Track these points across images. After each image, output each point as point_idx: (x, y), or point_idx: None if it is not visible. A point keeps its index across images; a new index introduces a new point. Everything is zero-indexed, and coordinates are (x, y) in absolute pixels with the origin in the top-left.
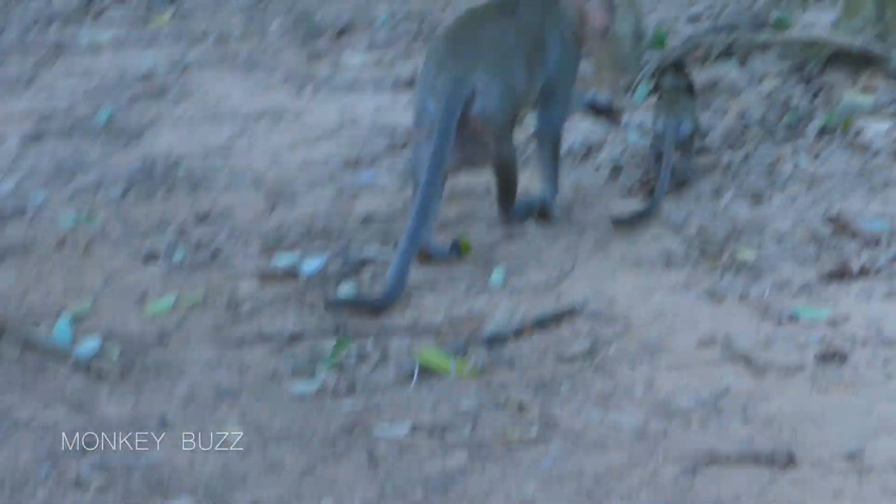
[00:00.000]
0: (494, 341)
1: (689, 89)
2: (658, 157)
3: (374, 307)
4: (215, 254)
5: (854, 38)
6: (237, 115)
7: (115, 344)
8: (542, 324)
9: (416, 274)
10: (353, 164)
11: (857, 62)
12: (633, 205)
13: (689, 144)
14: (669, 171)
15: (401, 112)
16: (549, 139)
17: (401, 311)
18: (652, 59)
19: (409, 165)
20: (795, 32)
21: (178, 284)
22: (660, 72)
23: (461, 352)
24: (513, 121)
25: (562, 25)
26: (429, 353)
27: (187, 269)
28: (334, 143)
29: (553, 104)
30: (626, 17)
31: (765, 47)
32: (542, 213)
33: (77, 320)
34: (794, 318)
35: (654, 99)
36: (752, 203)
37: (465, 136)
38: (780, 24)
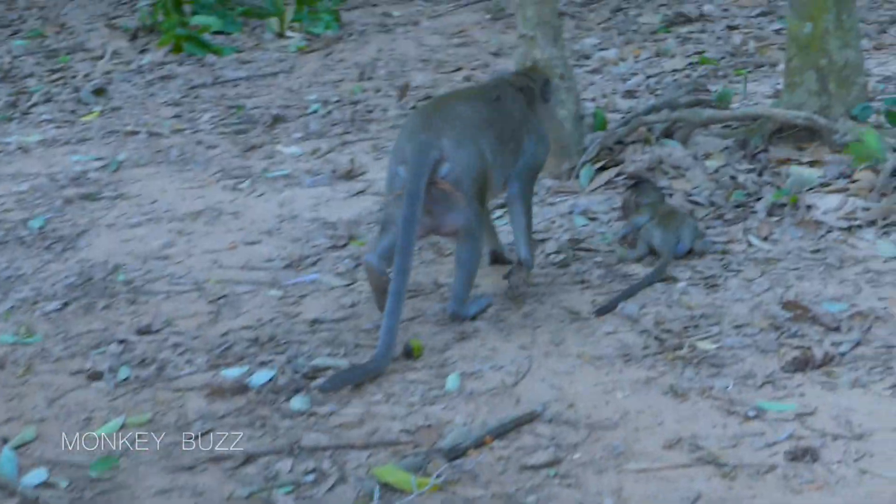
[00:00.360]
0: (455, 453)
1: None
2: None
3: (369, 372)
4: (161, 368)
5: (798, 112)
6: (174, 215)
7: (62, 473)
8: (503, 432)
9: (370, 383)
10: (296, 263)
11: (802, 136)
12: (587, 295)
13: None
14: (658, 274)
15: (339, 206)
16: (524, 209)
17: (357, 424)
18: (594, 140)
19: (379, 223)
20: (738, 108)
21: (125, 404)
22: (637, 186)
23: (421, 467)
24: (482, 190)
25: (541, 121)
26: (388, 471)
27: (133, 387)
28: (274, 243)
29: (526, 183)
30: (566, 100)
31: (707, 124)
32: (518, 268)
33: (22, 448)
34: (760, 412)
35: (635, 208)
36: (708, 289)
37: (433, 198)
38: (722, 100)
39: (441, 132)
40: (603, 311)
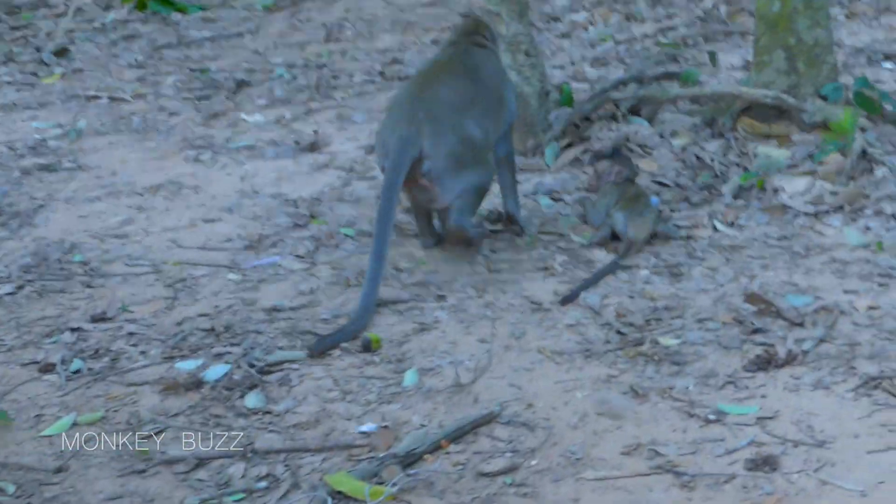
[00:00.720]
0: (410, 459)
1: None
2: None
3: (349, 333)
4: (114, 360)
5: (766, 91)
6: (133, 189)
7: (10, 476)
8: (460, 435)
9: (327, 377)
10: (256, 244)
11: (770, 115)
12: (550, 283)
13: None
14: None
15: (302, 181)
16: (509, 163)
17: (313, 423)
18: (560, 117)
19: None
20: (707, 86)
21: (76, 400)
22: (601, 158)
23: (376, 474)
24: (468, 171)
25: (507, 71)
26: (341, 479)
27: (85, 381)
28: (234, 221)
29: (509, 141)
30: (532, 76)
31: (675, 101)
32: (511, 221)
33: None
34: (720, 416)
35: (598, 188)
36: (671, 278)
37: (415, 191)
38: (688, 79)
39: (422, 125)
40: (567, 300)
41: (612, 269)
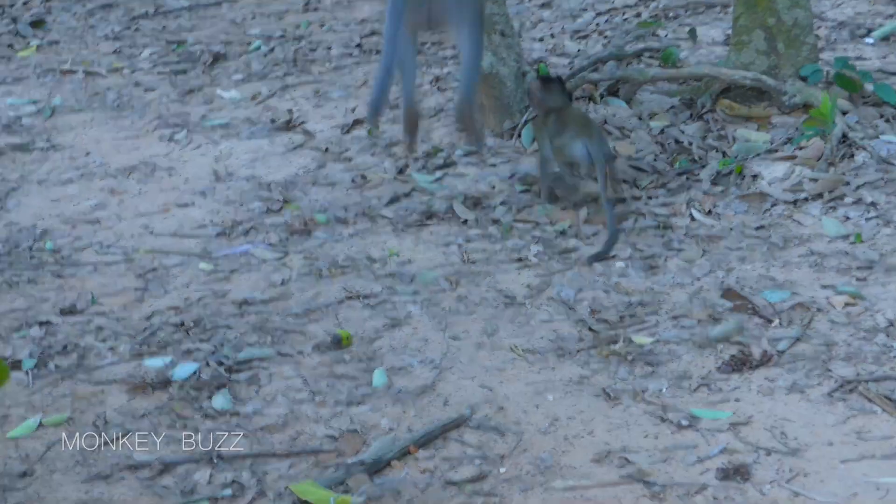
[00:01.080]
0: (377, 466)
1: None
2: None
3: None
4: (82, 357)
5: (745, 73)
6: (107, 171)
7: None
8: (429, 440)
9: (297, 377)
10: (229, 230)
11: (750, 96)
12: (524, 276)
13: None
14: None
15: (277, 162)
16: None
17: (280, 427)
18: None
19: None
20: (685, 67)
21: (43, 400)
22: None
23: (342, 482)
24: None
25: None
26: (307, 488)
27: (52, 379)
28: (208, 206)
29: None
30: (507, 57)
31: (653, 81)
32: None
33: None
34: (693, 421)
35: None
36: (648, 271)
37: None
38: (667, 59)
39: None
40: (595, 259)
41: (623, 214)
